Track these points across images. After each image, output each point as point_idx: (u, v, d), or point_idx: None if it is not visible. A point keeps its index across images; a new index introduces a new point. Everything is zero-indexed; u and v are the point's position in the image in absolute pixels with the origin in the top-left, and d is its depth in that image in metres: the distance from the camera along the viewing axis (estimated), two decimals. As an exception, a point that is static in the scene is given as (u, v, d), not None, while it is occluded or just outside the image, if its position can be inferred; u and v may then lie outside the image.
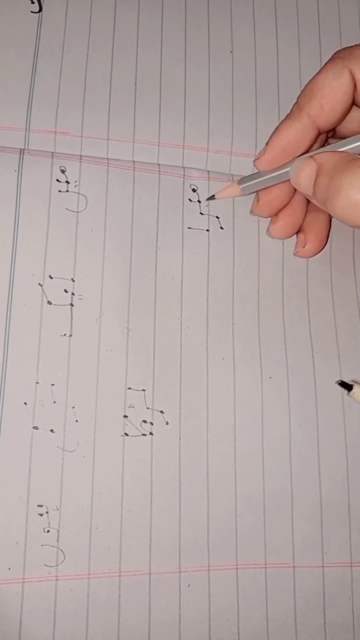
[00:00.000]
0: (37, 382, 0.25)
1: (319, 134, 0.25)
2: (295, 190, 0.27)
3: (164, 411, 0.27)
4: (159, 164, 0.29)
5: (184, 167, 0.29)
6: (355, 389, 0.26)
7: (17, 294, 0.26)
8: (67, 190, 0.27)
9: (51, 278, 0.26)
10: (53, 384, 0.26)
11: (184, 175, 0.29)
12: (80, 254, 0.27)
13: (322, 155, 0.24)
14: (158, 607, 0.25)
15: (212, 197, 0.29)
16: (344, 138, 0.26)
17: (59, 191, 0.27)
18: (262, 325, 0.29)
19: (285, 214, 0.28)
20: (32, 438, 0.25)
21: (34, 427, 0.25)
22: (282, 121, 0.25)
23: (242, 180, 0.27)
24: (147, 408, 0.26)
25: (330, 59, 0.24)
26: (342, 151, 0.24)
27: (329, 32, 0.33)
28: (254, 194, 0.28)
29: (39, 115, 0.28)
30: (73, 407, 0.26)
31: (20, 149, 0.28)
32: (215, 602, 0.26)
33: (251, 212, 0.29)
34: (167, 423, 0.26)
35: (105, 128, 0.29)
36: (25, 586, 0.24)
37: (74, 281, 0.27)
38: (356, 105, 0.25)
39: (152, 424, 0.26)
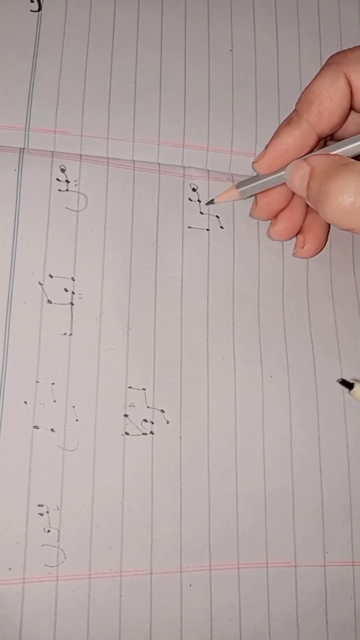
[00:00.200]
0: (37, 381, 0.25)
1: (319, 139, 0.25)
2: (293, 193, 0.27)
3: (164, 410, 0.26)
4: (158, 163, 0.29)
5: (183, 167, 0.29)
6: (356, 387, 0.26)
7: (17, 293, 0.26)
8: (67, 190, 0.27)
9: (51, 277, 0.26)
10: (53, 383, 0.25)
11: (183, 174, 0.29)
12: (80, 253, 0.27)
13: (314, 159, 0.24)
14: (159, 607, 0.25)
15: (211, 202, 0.29)
16: (342, 139, 0.26)
17: (59, 190, 0.27)
18: (262, 325, 0.29)
19: (285, 216, 0.28)
20: (32, 437, 0.25)
21: (34, 427, 0.25)
22: (282, 127, 0.25)
23: (240, 184, 0.27)
24: (148, 407, 0.26)
25: (325, 65, 0.25)
26: (335, 154, 0.24)
27: (329, 30, 0.33)
28: (253, 197, 0.28)
29: (39, 114, 0.28)
30: (73, 406, 0.25)
31: (20, 148, 0.28)
32: (217, 601, 0.26)
33: (250, 215, 0.29)
34: (167, 422, 0.26)
35: (105, 127, 0.29)
36: (26, 586, 0.24)
37: (74, 280, 0.27)
38: (354, 109, 0.25)
39: (152, 423, 0.26)
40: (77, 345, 0.26)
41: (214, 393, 0.27)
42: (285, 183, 0.26)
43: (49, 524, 0.24)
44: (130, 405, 0.26)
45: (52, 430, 0.25)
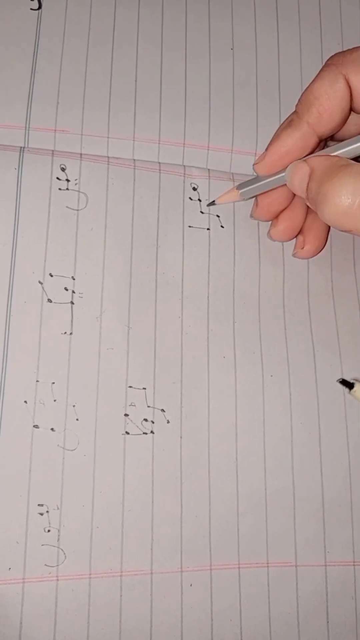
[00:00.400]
0: (37, 381, 0.25)
1: (320, 140, 0.25)
2: (294, 194, 0.27)
3: (165, 410, 0.26)
4: (159, 162, 0.29)
5: (184, 166, 0.29)
6: (357, 387, 0.26)
7: (18, 292, 0.26)
8: (67, 189, 0.27)
9: (51, 276, 0.26)
10: (53, 383, 0.25)
11: (184, 173, 0.29)
12: (80, 252, 0.27)
13: (314, 160, 0.24)
14: (160, 607, 0.25)
15: (212, 203, 0.29)
16: (342, 140, 0.26)
17: (59, 189, 0.27)
18: (263, 324, 0.28)
19: (285, 216, 0.28)
20: (32, 437, 0.25)
21: (34, 426, 0.25)
22: (282, 128, 0.25)
23: (241, 185, 0.27)
24: (148, 406, 0.26)
25: (324, 66, 0.25)
26: (334, 156, 0.24)
27: (330, 29, 0.33)
28: (254, 198, 0.28)
29: (39, 113, 0.28)
30: (74, 406, 0.25)
31: (20, 147, 0.27)
32: (217, 601, 0.26)
33: (251, 216, 0.29)
34: (168, 422, 0.26)
35: (105, 126, 0.29)
36: (26, 586, 0.24)
37: (74, 279, 0.27)
38: (353, 111, 0.25)
39: (153, 422, 0.26)
40: (77, 345, 0.26)
41: (214, 392, 0.27)
42: (285, 184, 0.26)
43: (49, 523, 0.24)
44: (131, 405, 0.26)
45: (52, 429, 0.25)
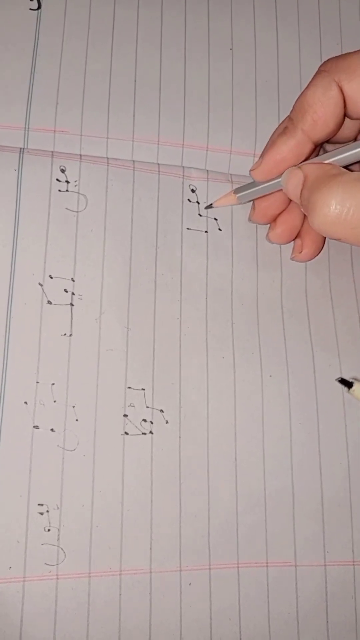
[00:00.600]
0: (37, 382, 0.25)
1: (315, 146, 0.25)
2: None
3: (163, 410, 0.27)
4: (158, 164, 0.29)
5: (183, 167, 0.29)
6: (356, 386, 0.26)
7: (17, 293, 0.26)
8: (67, 190, 0.27)
9: (51, 278, 0.26)
10: (53, 384, 0.26)
11: (183, 175, 0.29)
12: (80, 253, 0.27)
13: (308, 167, 0.24)
14: (159, 606, 0.25)
15: (210, 206, 0.29)
16: (338, 143, 0.26)
17: (59, 190, 0.27)
18: (261, 325, 0.28)
19: (283, 220, 0.28)
20: (32, 437, 0.25)
21: (34, 427, 0.25)
22: (278, 135, 0.25)
23: (239, 189, 0.28)
24: (147, 407, 0.26)
25: (317, 73, 0.25)
26: (327, 164, 0.24)
27: (330, 29, 0.33)
28: (251, 202, 0.28)
29: (38, 113, 0.28)
30: (73, 407, 0.26)
31: (20, 148, 0.28)
32: (216, 601, 0.26)
33: (249, 219, 0.29)
34: (167, 422, 0.26)
35: (104, 126, 0.29)
36: (26, 585, 0.24)
37: (74, 281, 0.27)
38: (347, 116, 0.25)
39: (152, 422, 0.26)
40: (76, 346, 0.26)
41: (213, 393, 0.27)
42: (282, 189, 0.26)
43: (49, 523, 0.25)
44: (130, 405, 0.26)
45: (52, 430, 0.25)
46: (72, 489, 0.25)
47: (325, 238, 0.29)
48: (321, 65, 0.24)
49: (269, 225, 0.29)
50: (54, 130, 0.28)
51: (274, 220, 0.28)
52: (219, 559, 0.26)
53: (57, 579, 0.24)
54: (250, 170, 0.26)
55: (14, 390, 0.25)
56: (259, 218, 0.28)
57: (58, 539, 0.25)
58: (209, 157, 0.30)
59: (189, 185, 0.29)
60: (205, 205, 0.29)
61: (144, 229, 0.28)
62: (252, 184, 0.27)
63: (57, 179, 0.27)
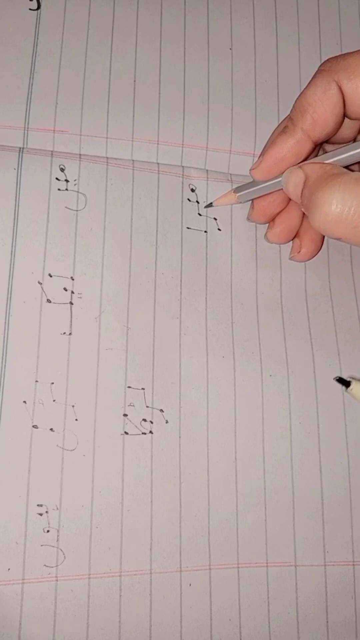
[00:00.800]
0: (36, 381, 0.25)
1: (315, 146, 0.25)
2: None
3: (163, 410, 0.26)
4: (158, 163, 0.29)
5: (182, 167, 0.29)
6: (353, 385, 0.26)
7: (17, 292, 0.26)
8: (66, 189, 0.27)
9: (51, 276, 0.26)
10: (52, 383, 0.25)
11: (182, 174, 0.29)
12: (79, 252, 0.27)
13: (309, 167, 0.24)
14: (159, 606, 0.25)
15: (210, 205, 0.29)
16: (338, 143, 0.27)
17: (59, 189, 0.27)
18: (261, 324, 0.29)
19: (282, 219, 0.28)
20: (31, 437, 0.25)
21: (33, 426, 0.25)
22: (278, 135, 0.26)
23: (239, 188, 0.28)
24: (147, 407, 0.26)
25: (317, 73, 0.25)
26: (328, 163, 0.24)
27: (329, 29, 0.33)
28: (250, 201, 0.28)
29: (38, 113, 0.28)
30: (73, 406, 0.25)
31: (19, 148, 0.27)
32: (216, 601, 0.26)
33: (248, 218, 0.29)
34: (167, 422, 0.26)
35: (104, 126, 0.29)
36: (25, 587, 0.24)
37: (73, 279, 0.27)
38: (347, 116, 0.25)
39: (152, 422, 0.26)
40: (76, 345, 0.26)
41: (213, 392, 0.27)
42: (282, 188, 0.26)
43: (48, 524, 0.24)
44: (130, 405, 0.26)
45: (51, 429, 0.25)
46: (71, 489, 0.25)
47: (323, 238, 0.29)
48: (321, 65, 0.25)
49: (267, 224, 0.29)
50: (54, 130, 0.28)
51: (272, 219, 0.28)
52: (219, 559, 0.26)
53: (57, 580, 0.24)
54: (250, 170, 0.26)
55: (13, 390, 0.25)
56: (257, 217, 0.28)
57: (57, 540, 0.24)
58: (208, 157, 0.30)
59: (189, 185, 0.29)
60: (205, 204, 0.29)
61: (144, 228, 0.28)
62: (252, 183, 0.27)
63: (57, 178, 0.27)
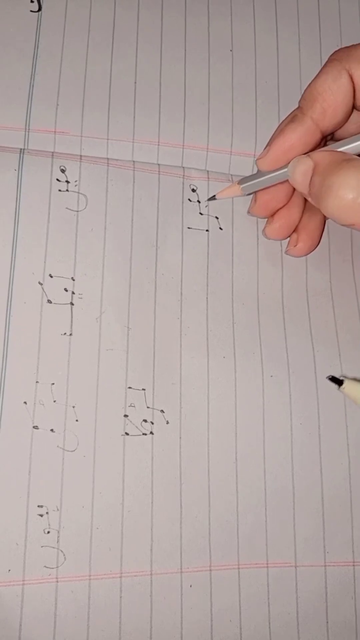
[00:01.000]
0: (37, 382, 0.25)
1: (323, 136, 0.25)
2: (293, 192, 0.27)
3: (164, 410, 0.26)
4: (158, 164, 0.29)
5: (183, 167, 0.29)
6: (346, 383, 0.26)
7: (17, 292, 0.26)
8: (67, 190, 0.27)
9: (51, 277, 0.26)
10: (53, 383, 0.25)
11: (183, 175, 0.29)
12: (80, 253, 0.27)
13: (318, 154, 0.24)
14: (160, 608, 0.25)
15: (212, 198, 0.29)
16: (342, 139, 0.27)
17: (59, 190, 0.27)
18: (262, 325, 0.29)
19: (282, 214, 0.28)
20: (32, 438, 0.25)
21: (34, 427, 0.25)
22: (286, 123, 0.25)
23: (243, 180, 0.27)
24: (148, 407, 0.26)
25: (328, 61, 0.24)
26: (338, 151, 0.24)
27: (329, 30, 0.33)
28: (252, 195, 0.28)
29: (39, 114, 0.28)
30: (73, 407, 0.25)
31: (20, 149, 0.28)
32: (217, 602, 0.26)
33: (248, 212, 0.29)
34: (167, 422, 0.26)
35: (105, 127, 0.29)
36: (25, 588, 0.24)
37: (74, 280, 0.27)
38: (356, 108, 0.25)
39: (152, 423, 0.26)
40: (77, 346, 0.26)
41: (214, 393, 0.27)
42: (287, 180, 0.26)
43: (49, 525, 0.24)
44: (130, 406, 0.26)
45: (52, 430, 0.25)
46: (72, 490, 0.25)
47: (321, 234, 0.29)
48: (332, 54, 0.24)
49: (266, 219, 0.29)
50: (55, 132, 0.28)
51: (272, 214, 0.28)
52: (219, 560, 0.26)
53: (57, 581, 0.24)
54: (257, 160, 0.26)
55: (14, 390, 0.25)
56: (259, 211, 0.28)
57: (58, 541, 0.24)
58: (209, 158, 0.30)
59: (190, 185, 0.29)
60: (208, 197, 0.29)
61: (144, 228, 0.28)
62: (257, 175, 0.27)
63: (57, 179, 0.27)
